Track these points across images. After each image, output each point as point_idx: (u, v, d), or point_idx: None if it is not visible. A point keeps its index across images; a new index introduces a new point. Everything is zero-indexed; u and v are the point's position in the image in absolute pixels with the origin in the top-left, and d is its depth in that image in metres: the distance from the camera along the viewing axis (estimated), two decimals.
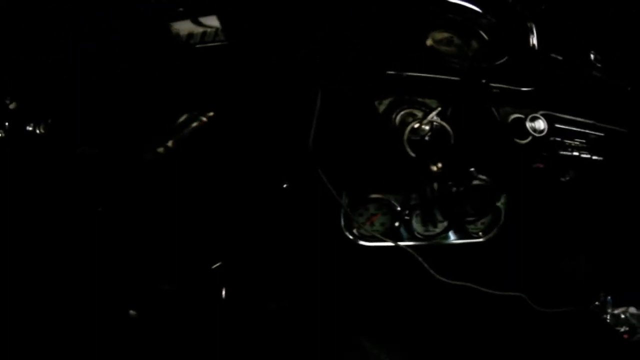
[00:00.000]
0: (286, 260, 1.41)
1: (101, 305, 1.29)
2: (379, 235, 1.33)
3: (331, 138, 1.16)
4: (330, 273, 1.39)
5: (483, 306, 1.47)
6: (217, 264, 1.43)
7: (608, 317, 1.53)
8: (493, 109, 1.20)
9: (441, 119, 1.14)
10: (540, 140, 1.22)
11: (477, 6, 1.22)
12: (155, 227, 1.30)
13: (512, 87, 1.22)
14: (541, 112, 1.21)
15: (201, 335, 1.34)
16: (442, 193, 1.20)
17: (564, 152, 1.28)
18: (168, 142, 1.01)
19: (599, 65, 1.31)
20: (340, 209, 1.30)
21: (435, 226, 1.38)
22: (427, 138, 1.14)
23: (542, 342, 1.53)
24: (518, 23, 1.24)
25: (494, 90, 1.20)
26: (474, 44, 1.22)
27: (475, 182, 1.16)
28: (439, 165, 1.11)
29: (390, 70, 1.16)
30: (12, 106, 1.04)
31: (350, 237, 1.34)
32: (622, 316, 1.52)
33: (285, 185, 1.32)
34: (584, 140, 1.30)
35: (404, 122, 1.13)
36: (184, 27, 1.09)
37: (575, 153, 1.28)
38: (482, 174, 1.19)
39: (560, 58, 1.28)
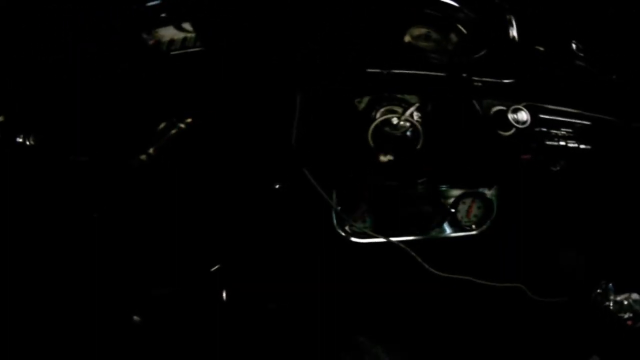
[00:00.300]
0: (281, 260, 1.43)
1: (102, 311, 1.32)
2: (370, 232, 1.34)
3: (314, 137, 1.18)
4: (325, 270, 1.41)
5: (481, 299, 1.47)
6: (216, 267, 1.46)
7: (611, 304, 1.52)
8: (475, 102, 1.20)
9: (419, 116, 1.15)
10: (525, 132, 1.22)
11: (454, 0, 1.23)
12: (151, 231, 1.33)
13: (494, 80, 1.22)
14: (524, 103, 1.21)
15: (201, 335, 1.37)
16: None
17: (551, 142, 1.27)
18: (150, 149, 1.04)
19: (582, 54, 1.31)
20: (331, 206, 1.31)
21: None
22: (408, 134, 1.16)
23: (545, 333, 1.52)
24: (497, 16, 1.24)
25: (476, 84, 1.21)
26: (453, 37, 1.23)
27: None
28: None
29: (370, 68, 1.17)
30: (0, 119, 1.06)
31: (343, 234, 1.36)
32: (625, 302, 1.50)
33: (277, 186, 1.35)
34: (570, 130, 1.29)
35: (385, 121, 1.14)
36: (166, 33, 1.12)
37: (562, 143, 1.28)
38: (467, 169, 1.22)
39: (541, 49, 1.28)
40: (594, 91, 1.32)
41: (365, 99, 1.18)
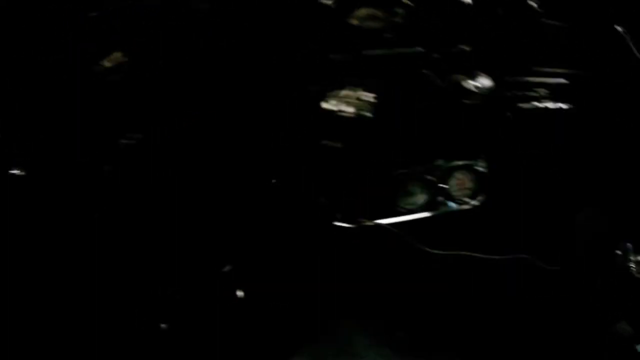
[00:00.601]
0: (280, 253, 1.44)
1: (104, 313, 1.37)
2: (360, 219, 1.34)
3: (296, 132, 1.21)
4: (322, 262, 1.41)
5: (484, 276, 1.42)
6: (228, 267, 1.49)
7: (632, 265, 1.44)
8: (432, 74, 1.18)
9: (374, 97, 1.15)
10: (494, 97, 1.19)
11: None
12: (151, 233, 1.37)
13: (453, 49, 1.20)
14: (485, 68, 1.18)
15: (202, 336, 1.40)
16: None
17: (527, 105, 1.23)
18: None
19: (540, 10, 1.25)
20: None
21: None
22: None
23: (560, 302, 1.45)
24: None
25: (434, 56, 1.19)
26: (400, 11, 1.21)
27: None
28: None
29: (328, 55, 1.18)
30: None
31: (334, 222, 1.37)
32: None
33: (273, 181, 1.37)
34: (547, 91, 1.24)
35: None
36: None
37: (540, 104, 1.23)
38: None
39: (499, 11, 1.23)
40: (563, 48, 1.25)
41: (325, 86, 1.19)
